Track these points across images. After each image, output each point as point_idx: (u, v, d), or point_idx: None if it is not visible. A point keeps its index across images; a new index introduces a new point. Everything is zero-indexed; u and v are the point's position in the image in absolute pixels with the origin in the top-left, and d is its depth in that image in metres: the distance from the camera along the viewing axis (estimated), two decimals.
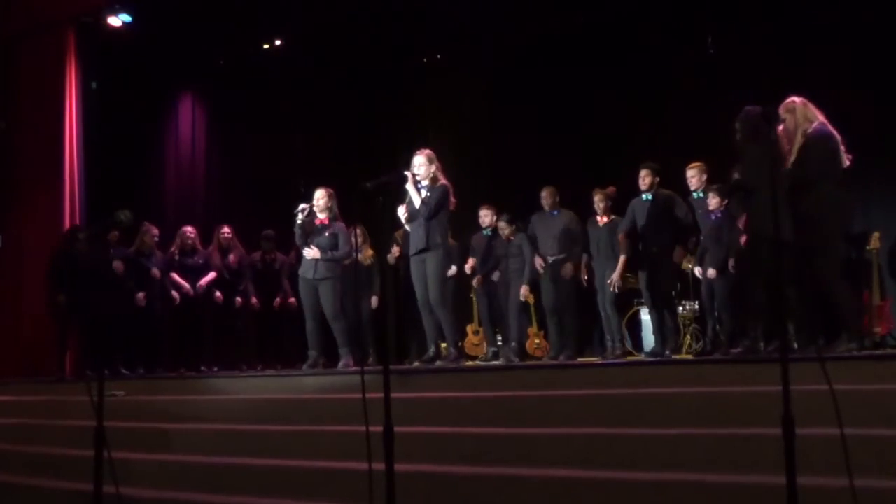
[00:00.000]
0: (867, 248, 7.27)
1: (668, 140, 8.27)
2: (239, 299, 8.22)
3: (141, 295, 7.79)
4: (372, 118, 10.29)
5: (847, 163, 5.08)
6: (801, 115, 5.07)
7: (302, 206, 6.98)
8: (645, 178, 6.68)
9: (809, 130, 5.04)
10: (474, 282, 7.91)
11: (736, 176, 5.52)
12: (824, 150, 4.98)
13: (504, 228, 7.64)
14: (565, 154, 8.97)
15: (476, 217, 7.85)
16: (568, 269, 7.21)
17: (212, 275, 8.08)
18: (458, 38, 9.69)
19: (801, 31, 7.91)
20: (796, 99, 5.15)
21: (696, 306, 7.85)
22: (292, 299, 8.26)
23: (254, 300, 8.29)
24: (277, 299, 8.44)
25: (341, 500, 3.92)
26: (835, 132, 5.07)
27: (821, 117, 5.10)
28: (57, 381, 7.55)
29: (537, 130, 9.32)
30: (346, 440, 4.23)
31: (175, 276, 7.98)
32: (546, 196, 7.40)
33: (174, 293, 7.90)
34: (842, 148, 5.06)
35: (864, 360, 4.59)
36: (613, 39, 8.95)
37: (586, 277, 7.51)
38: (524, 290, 7.45)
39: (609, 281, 7.12)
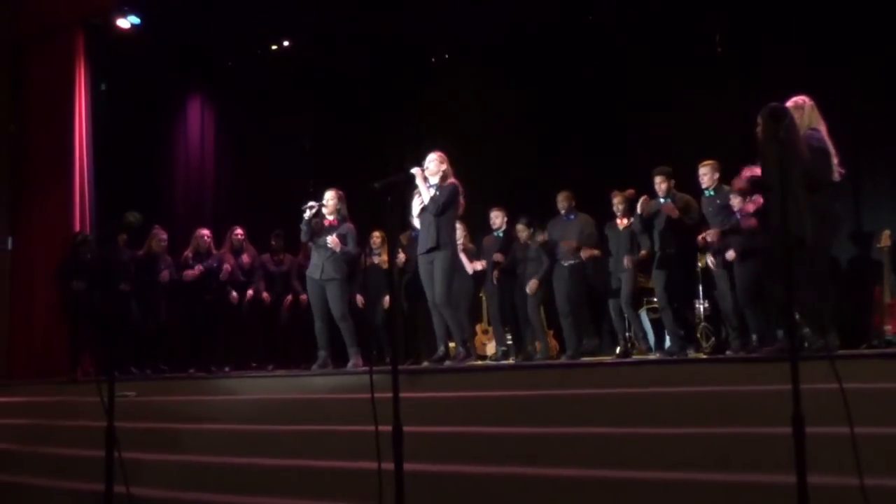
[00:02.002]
0: (878, 245, 7.21)
1: (673, 140, 8.24)
2: (250, 292, 8.23)
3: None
4: (380, 118, 10.30)
5: (838, 176, 4.98)
6: (807, 116, 5.01)
7: (311, 202, 6.98)
8: (661, 185, 6.62)
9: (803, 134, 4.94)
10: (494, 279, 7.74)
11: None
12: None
13: (521, 231, 7.54)
14: (574, 154, 8.95)
15: (484, 219, 7.83)
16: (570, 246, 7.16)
17: (199, 268, 7.99)
18: (467, 37, 9.70)
19: (805, 31, 7.88)
20: (806, 99, 5.07)
21: (706, 305, 7.81)
22: (304, 296, 8.28)
23: (265, 295, 8.30)
24: (289, 297, 8.43)
25: (351, 500, 3.93)
26: (827, 143, 4.97)
27: (822, 126, 5.02)
28: (68, 381, 7.58)
29: (546, 131, 9.30)
30: (356, 440, 4.24)
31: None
32: (561, 200, 7.35)
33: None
34: (834, 160, 4.97)
35: (874, 359, 4.57)
36: (616, 40, 8.94)
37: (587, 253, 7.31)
38: (533, 284, 7.34)
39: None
